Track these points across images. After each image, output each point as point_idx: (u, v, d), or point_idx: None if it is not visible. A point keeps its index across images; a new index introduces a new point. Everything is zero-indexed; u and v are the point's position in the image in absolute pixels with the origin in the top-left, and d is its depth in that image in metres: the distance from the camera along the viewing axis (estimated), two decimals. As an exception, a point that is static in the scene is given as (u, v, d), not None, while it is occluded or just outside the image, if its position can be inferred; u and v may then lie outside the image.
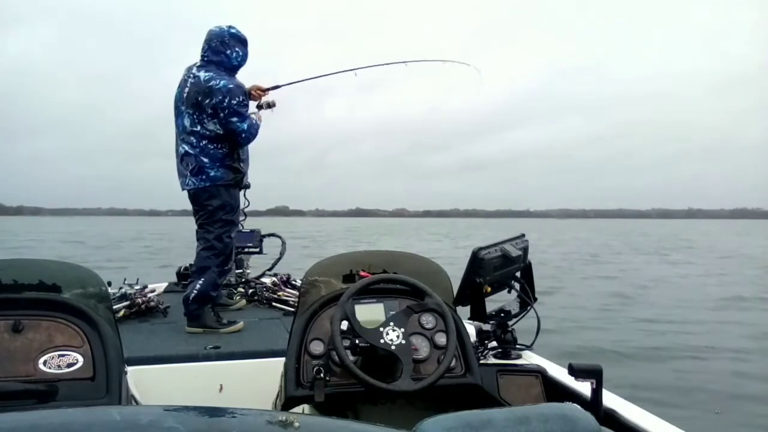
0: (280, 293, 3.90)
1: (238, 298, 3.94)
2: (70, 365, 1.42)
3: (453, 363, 1.70)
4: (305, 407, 1.64)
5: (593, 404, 1.54)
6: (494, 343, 2.13)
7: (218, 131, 3.16)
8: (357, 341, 1.59)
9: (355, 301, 1.67)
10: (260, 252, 4.54)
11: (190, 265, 3.78)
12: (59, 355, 1.43)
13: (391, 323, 1.64)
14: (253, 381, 2.36)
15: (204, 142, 3.17)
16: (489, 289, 2.02)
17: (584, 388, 1.64)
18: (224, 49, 3.22)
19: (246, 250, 4.43)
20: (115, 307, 2.94)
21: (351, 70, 3.71)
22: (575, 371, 1.55)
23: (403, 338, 1.62)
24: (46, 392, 1.36)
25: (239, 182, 3.35)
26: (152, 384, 2.20)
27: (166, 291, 4.25)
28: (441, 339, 1.71)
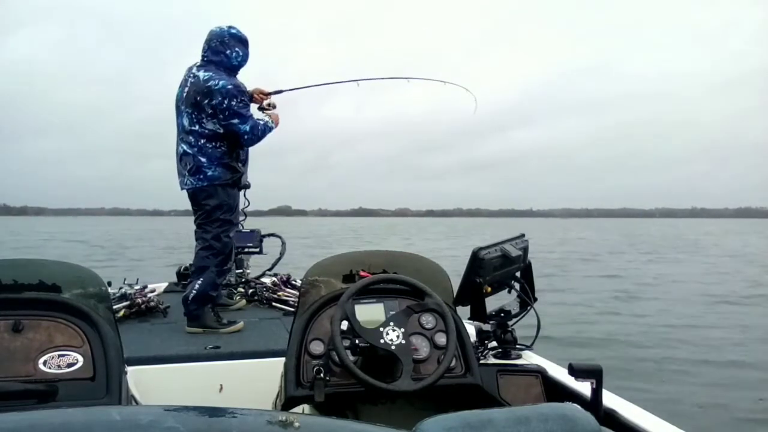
0: (280, 293, 3.90)
1: (238, 298, 3.94)
2: (70, 365, 1.42)
3: (453, 363, 1.70)
4: (305, 407, 1.64)
5: (593, 404, 1.54)
6: (494, 343, 2.13)
7: (217, 130, 3.15)
8: (357, 341, 1.59)
9: (355, 301, 1.67)
10: (260, 252, 4.54)
11: (190, 265, 3.78)
12: (59, 355, 1.43)
13: (391, 323, 1.64)
14: (253, 381, 2.36)
15: (202, 141, 3.16)
16: (489, 289, 2.02)
17: (584, 388, 1.64)
18: (224, 49, 3.21)
19: (246, 250, 4.43)
20: (115, 307, 2.94)
21: (353, 80, 3.71)
22: (575, 371, 1.55)
23: (403, 338, 1.62)
24: (46, 392, 1.36)
25: (237, 182, 3.34)
26: (152, 384, 2.20)
27: (166, 291, 4.25)
28: (441, 339, 1.71)
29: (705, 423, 4.51)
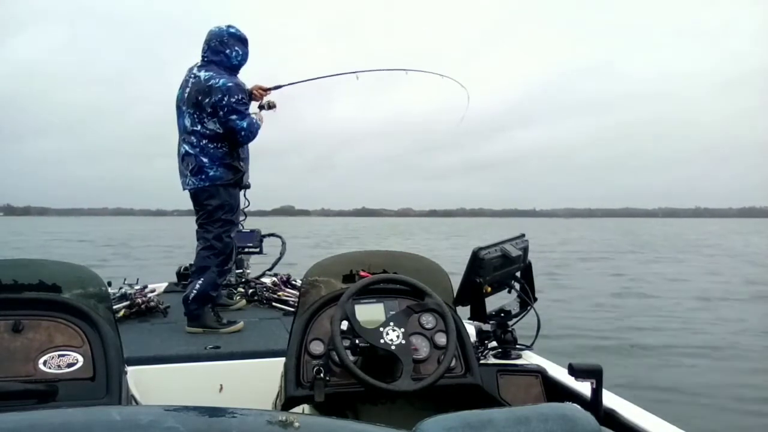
0: (280, 293, 3.91)
1: (238, 298, 3.94)
2: (70, 365, 1.42)
3: (453, 363, 1.70)
4: (305, 407, 1.64)
5: (593, 404, 1.54)
6: (494, 343, 2.13)
7: (218, 130, 3.16)
8: (357, 341, 1.58)
9: (355, 301, 1.67)
10: (260, 252, 4.55)
11: (190, 265, 3.78)
12: (59, 355, 1.43)
13: (391, 323, 1.64)
14: (253, 381, 2.36)
15: (204, 142, 3.17)
16: (489, 289, 2.02)
17: (584, 388, 1.64)
18: (224, 49, 3.22)
19: (246, 250, 4.43)
20: (115, 307, 2.94)
21: (353, 72, 3.70)
22: (575, 371, 1.55)
23: (403, 338, 1.62)
24: (46, 392, 1.36)
25: (239, 182, 3.34)
26: (152, 384, 2.20)
27: (166, 291, 4.25)
28: (441, 339, 1.71)
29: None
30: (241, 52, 3.27)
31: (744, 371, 5.83)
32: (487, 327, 2.12)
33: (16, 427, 0.63)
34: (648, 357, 6.41)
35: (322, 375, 1.59)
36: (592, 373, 1.54)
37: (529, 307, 2.14)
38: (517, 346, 2.13)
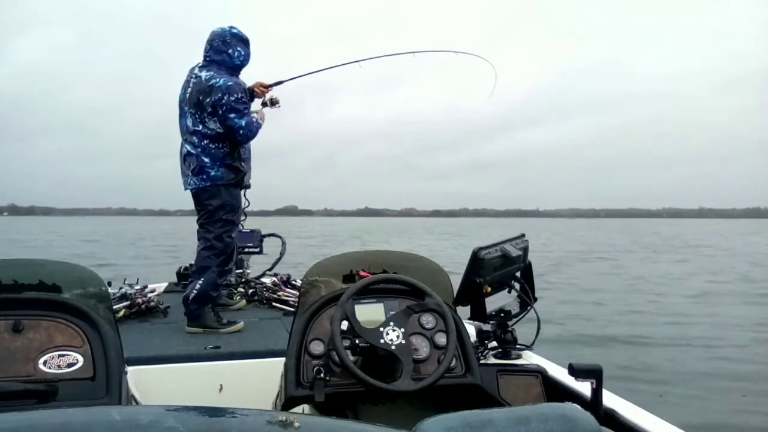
0: (280, 293, 3.91)
1: (238, 298, 3.94)
2: (70, 365, 1.42)
3: (453, 363, 1.70)
4: (305, 407, 1.64)
5: (593, 404, 1.54)
6: (494, 343, 2.13)
7: (219, 130, 3.16)
8: (357, 341, 1.58)
9: (355, 301, 1.67)
10: (260, 252, 4.55)
11: (191, 265, 3.78)
12: (59, 355, 1.43)
13: (391, 323, 1.64)
14: (253, 381, 2.36)
15: (205, 142, 3.17)
16: (489, 289, 2.02)
17: (584, 388, 1.64)
18: (226, 49, 3.22)
19: (246, 250, 4.43)
20: (115, 307, 2.94)
21: (356, 61, 3.63)
22: (575, 371, 1.55)
23: (403, 338, 1.62)
24: (46, 392, 1.36)
25: (240, 182, 3.35)
26: (152, 384, 2.20)
27: (166, 291, 4.25)
28: (441, 339, 1.71)
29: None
30: (243, 53, 3.27)
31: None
32: (487, 327, 2.12)
33: (16, 427, 0.63)
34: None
35: (322, 375, 1.59)
36: (592, 373, 1.54)
37: (529, 307, 2.14)
38: (517, 346, 2.13)
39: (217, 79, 3.13)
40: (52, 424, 0.65)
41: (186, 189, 3.30)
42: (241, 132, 3.17)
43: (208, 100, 3.12)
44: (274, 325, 3.27)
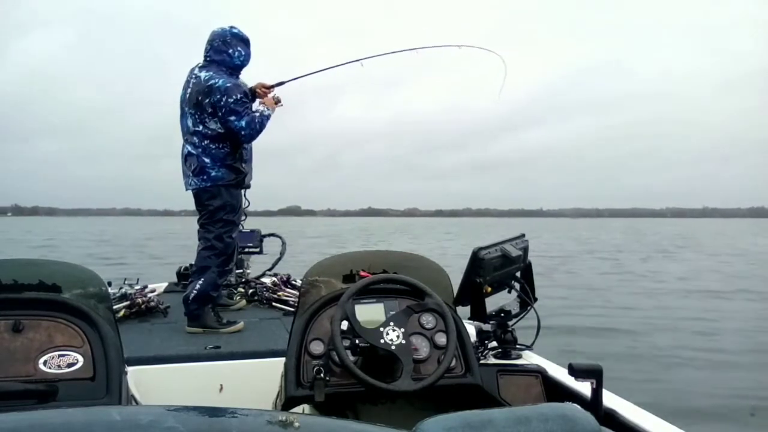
0: (280, 293, 3.90)
1: (238, 298, 3.94)
2: (70, 365, 1.42)
3: (453, 363, 1.70)
4: (305, 407, 1.64)
5: (593, 404, 1.54)
6: (494, 343, 2.13)
7: (220, 130, 3.16)
8: (357, 341, 1.59)
9: (355, 301, 1.67)
10: (260, 252, 4.54)
11: (191, 265, 3.78)
12: (59, 355, 1.43)
13: (391, 323, 1.64)
14: (253, 381, 2.36)
15: (206, 142, 3.17)
16: (489, 289, 2.02)
17: (584, 388, 1.64)
18: (226, 49, 3.22)
19: (246, 250, 4.43)
20: (115, 307, 2.94)
21: (357, 60, 3.58)
22: (575, 371, 1.55)
23: (403, 338, 1.62)
24: (46, 392, 1.36)
25: (241, 182, 3.35)
26: (152, 384, 2.20)
27: (166, 291, 4.25)
28: (441, 339, 1.71)
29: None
30: (243, 53, 3.27)
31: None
32: (487, 327, 2.12)
33: (16, 427, 0.63)
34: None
35: (322, 375, 1.59)
36: (592, 373, 1.54)
37: (529, 307, 2.14)
38: (517, 346, 2.13)
39: (216, 80, 3.12)
40: (52, 424, 0.65)
41: (187, 189, 3.30)
42: (243, 133, 3.17)
43: (207, 100, 3.12)
44: (274, 325, 3.27)
